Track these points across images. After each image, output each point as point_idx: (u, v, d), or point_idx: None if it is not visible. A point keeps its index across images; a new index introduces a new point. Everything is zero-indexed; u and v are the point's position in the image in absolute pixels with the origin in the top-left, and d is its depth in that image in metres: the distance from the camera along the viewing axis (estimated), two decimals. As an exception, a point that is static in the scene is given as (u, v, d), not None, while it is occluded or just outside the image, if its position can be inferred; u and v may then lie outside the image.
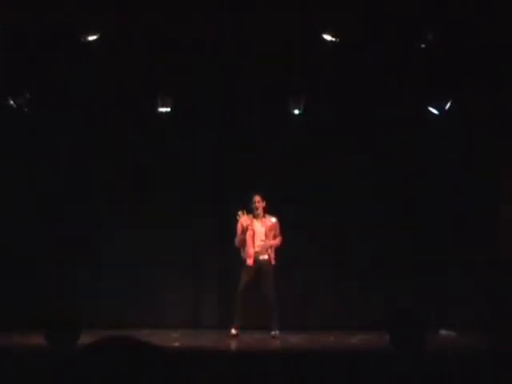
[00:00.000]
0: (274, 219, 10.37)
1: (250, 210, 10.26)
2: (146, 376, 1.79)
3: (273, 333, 10.13)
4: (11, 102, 10.44)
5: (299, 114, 10.90)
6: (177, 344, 9.11)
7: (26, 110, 10.52)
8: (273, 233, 10.34)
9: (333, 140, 11.28)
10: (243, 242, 10.23)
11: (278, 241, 10.38)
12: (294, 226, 11.08)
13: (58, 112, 10.97)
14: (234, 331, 10.10)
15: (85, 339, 7.85)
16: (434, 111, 10.62)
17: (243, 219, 10.19)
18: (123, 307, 10.84)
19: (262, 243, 10.24)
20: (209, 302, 11.33)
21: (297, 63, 10.60)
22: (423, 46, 10.16)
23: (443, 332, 10.49)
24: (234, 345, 9.52)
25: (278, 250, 10.42)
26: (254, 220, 10.24)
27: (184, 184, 11.36)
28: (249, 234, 10.20)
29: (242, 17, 9.95)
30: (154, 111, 10.79)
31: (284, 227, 10.82)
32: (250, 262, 10.17)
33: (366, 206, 11.18)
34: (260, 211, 10.26)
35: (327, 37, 10.00)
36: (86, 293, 10.75)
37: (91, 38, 9.95)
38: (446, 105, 10.55)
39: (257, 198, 10.25)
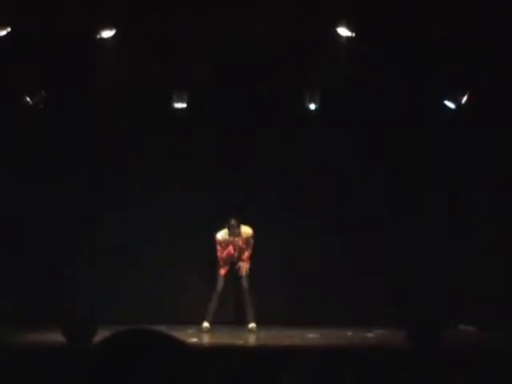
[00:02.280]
0: (249, 230, 10.42)
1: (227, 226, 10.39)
2: (168, 370, 1.77)
3: (250, 326, 10.24)
4: (27, 100, 10.48)
5: (315, 109, 10.88)
6: (194, 340, 9.12)
7: (42, 107, 10.57)
8: (250, 245, 10.42)
9: (347, 137, 11.25)
10: (224, 260, 10.44)
11: (248, 253, 10.45)
12: (309, 221, 11.09)
13: (73, 109, 10.99)
14: (206, 324, 10.32)
15: (101, 336, 7.86)
16: (451, 105, 10.57)
17: (221, 238, 10.38)
18: (139, 303, 10.85)
19: (241, 264, 10.40)
20: (224, 298, 11.32)
21: (311, 58, 10.58)
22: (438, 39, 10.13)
23: (462, 327, 10.43)
24: (252, 341, 9.54)
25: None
26: (231, 236, 10.34)
27: (200, 182, 11.33)
28: (227, 250, 10.40)
29: (256, 11, 9.94)
30: (169, 107, 10.82)
31: (300, 224, 10.84)
32: (222, 272, 10.44)
33: (380, 202, 11.14)
34: (234, 223, 10.31)
35: (342, 31, 9.98)
36: (102, 288, 10.77)
37: (106, 34, 9.98)
38: (462, 98, 10.49)
39: (233, 220, 10.33)
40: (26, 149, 11.02)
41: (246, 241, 10.38)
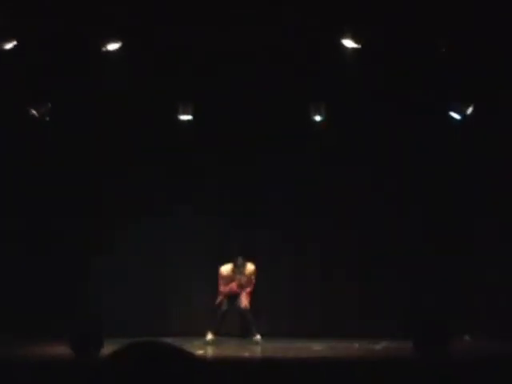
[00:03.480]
0: (252, 266, 10.43)
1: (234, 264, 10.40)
2: (179, 382, 1.77)
3: (255, 338, 10.24)
4: (33, 112, 10.50)
5: (320, 120, 10.89)
6: (200, 352, 9.10)
7: (48, 119, 10.60)
8: (251, 280, 10.43)
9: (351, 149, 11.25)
10: (224, 294, 10.44)
11: (249, 289, 10.45)
12: (314, 232, 11.10)
13: (79, 121, 11.00)
14: (210, 336, 10.33)
15: (107, 348, 7.86)
16: (456, 116, 10.57)
17: (225, 274, 10.38)
18: (145, 316, 10.84)
19: (242, 299, 10.37)
20: (229, 312, 11.31)
21: (317, 70, 10.59)
22: (443, 50, 10.15)
23: (467, 338, 10.37)
24: (258, 353, 9.52)
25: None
26: (236, 274, 10.35)
27: (210, 196, 11.33)
28: (230, 286, 10.38)
29: (262, 24, 9.96)
30: (174, 119, 10.84)
31: (305, 234, 10.84)
32: (220, 298, 10.45)
33: (385, 215, 11.11)
34: (241, 262, 10.34)
35: (348, 43, 10.00)
36: (107, 301, 10.76)
37: (111, 47, 10.02)
38: (467, 110, 10.49)
39: (240, 259, 10.37)
40: (30, 156, 11.02)
41: (248, 277, 10.39)
